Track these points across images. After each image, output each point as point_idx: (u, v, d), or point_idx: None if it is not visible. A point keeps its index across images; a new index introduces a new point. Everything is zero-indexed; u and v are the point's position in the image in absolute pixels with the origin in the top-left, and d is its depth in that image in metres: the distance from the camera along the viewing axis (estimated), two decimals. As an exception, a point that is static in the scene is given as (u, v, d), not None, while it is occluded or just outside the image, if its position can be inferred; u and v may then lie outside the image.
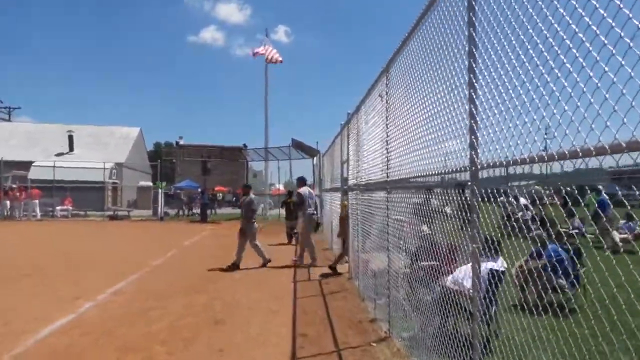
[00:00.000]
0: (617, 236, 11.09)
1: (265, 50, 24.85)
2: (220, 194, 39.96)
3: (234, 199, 41.30)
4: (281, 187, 35.07)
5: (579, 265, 6.23)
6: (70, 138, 35.18)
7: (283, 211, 16.46)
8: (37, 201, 21.91)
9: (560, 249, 6.43)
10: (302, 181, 10.58)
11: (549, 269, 5.76)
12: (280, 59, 25.03)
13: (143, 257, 10.28)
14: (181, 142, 48.30)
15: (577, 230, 12.56)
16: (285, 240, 14.56)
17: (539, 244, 6.44)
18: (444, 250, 5.58)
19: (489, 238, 4.60)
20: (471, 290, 4.39)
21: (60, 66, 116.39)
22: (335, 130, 12.62)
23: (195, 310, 5.96)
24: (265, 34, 25.40)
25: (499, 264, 4.59)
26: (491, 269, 4.42)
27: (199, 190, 26.12)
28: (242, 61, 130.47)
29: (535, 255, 6.54)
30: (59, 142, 35.50)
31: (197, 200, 25.83)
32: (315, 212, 10.60)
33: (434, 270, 5.52)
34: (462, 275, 4.64)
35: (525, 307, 4.33)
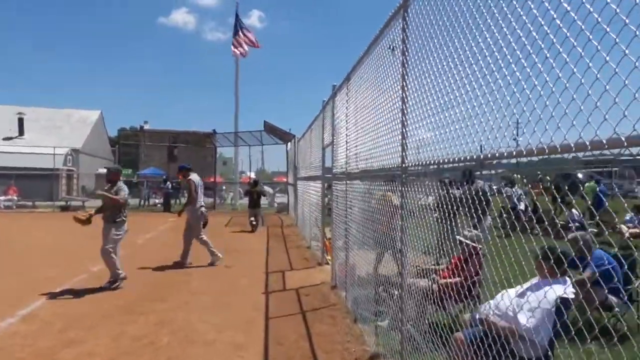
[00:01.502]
0: (625, 230, 9.98)
1: (243, 40, 22.78)
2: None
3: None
4: (252, 175, 33.25)
5: (633, 278, 4.91)
6: (21, 121, 32.23)
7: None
8: (-30, 191, 19.45)
9: (607, 256, 5.09)
10: (187, 169, 8.85)
11: (599, 281, 4.34)
12: (257, 45, 23.10)
13: (81, 260, 8.48)
14: (146, 127, 45.58)
15: (576, 224, 11.49)
16: (249, 228, 14.25)
17: (577, 249, 5.13)
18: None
19: (552, 249, 3.16)
20: (528, 329, 2.93)
21: (17, 43, 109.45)
22: (310, 117, 11.09)
23: (130, 348, 4.31)
24: (237, 24, 22.86)
25: (568, 288, 3.13)
26: (561, 297, 2.96)
27: (163, 178, 24.02)
28: (213, 45, 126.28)
29: (576, 263, 5.11)
30: (7, 125, 32.47)
31: (159, 189, 23.80)
32: (204, 205, 8.94)
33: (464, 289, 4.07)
34: (509, 304, 3.19)
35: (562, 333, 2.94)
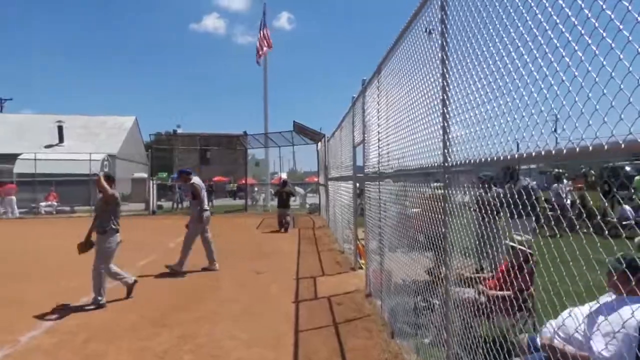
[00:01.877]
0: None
1: (264, 41, 22.65)
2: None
3: (235, 189, 39.47)
4: (284, 176, 33.17)
5: None
6: (60, 129, 33.27)
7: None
8: (13, 197, 20.05)
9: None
10: (187, 173, 8.49)
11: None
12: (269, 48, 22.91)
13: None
14: (179, 131, 46.36)
15: (631, 221, 10.61)
16: (280, 229, 14.36)
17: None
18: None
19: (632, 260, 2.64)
20: (606, 359, 2.44)
21: (54, 54, 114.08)
22: (339, 116, 10.69)
23: (151, 364, 4.05)
24: (261, 23, 22.71)
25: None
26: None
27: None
28: (243, 49, 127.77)
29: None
30: (48, 133, 33.60)
31: (181, 192, 23.98)
32: (208, 209, 8.58)
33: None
34: (578, 326, 2.69)
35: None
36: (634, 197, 11.89)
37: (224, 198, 35.72)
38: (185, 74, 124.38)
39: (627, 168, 23.78)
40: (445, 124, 2.92)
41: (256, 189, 28.72)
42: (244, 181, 24.99)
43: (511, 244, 4.25)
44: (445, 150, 2.93)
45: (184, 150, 38.95)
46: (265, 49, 22.38)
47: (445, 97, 2.93)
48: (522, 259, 4.21)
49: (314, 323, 5.17)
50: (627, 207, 10.66)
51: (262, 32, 22.65)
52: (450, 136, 2.88)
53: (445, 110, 2.91)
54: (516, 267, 4.16)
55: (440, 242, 5.26)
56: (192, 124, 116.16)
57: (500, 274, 4.34)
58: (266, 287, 6.89)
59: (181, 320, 5.28)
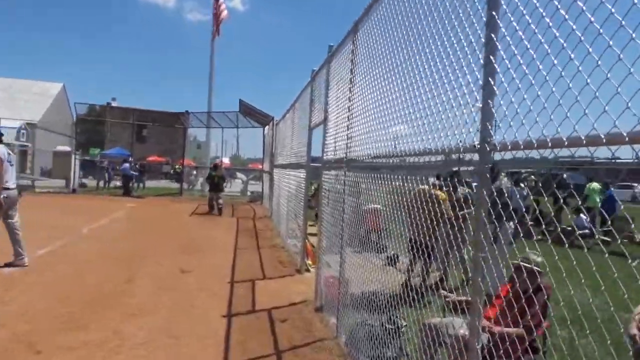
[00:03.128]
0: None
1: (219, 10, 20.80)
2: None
3: (172, 171, 36.95)
4: (226, 160, 31.33)
5: None
6: (-30, 89, 29.29)
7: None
8: None
9: None
10: None
11: None
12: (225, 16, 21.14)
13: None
14: (114, 104, 42.70)
15: (585, 231, 10.28)
16: (215, 214, 13.95)
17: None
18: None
19: None
20: None
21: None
22: (289, 102, 9.43)
23: None
24: None
25: None
26: None
27: (125, 158, 21.87)
28: (192, 26, 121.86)
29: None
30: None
31: (111, 170, 21.74)
32: (10, 188, 6.18)
33: None
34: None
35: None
36: (587, 205, 11.67)
37: (160, 180, 33.27)
38: (127, 45, 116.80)
39: (564, 175, 24.40)
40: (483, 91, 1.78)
41: (194, 172, 26.71)
42: (181, 162, 23.01)
43: (523, 264, 3.25)
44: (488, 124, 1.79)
45: (116, 124, 35.84)
46: (223, 14, 20.58)
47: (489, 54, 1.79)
48: (533, 283, 3.23)
49: (251, 351, 3.94)
50: (583, 217, 10.29)
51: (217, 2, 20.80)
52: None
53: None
54: (526, 294, 3.11)
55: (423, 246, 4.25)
56: (130, 99, 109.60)
57: (501, 301, 3.33)
58: (192, 294, 5.54)
59: (65, 344, 3.83)
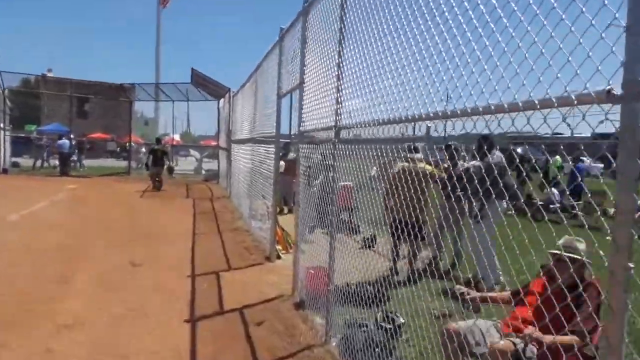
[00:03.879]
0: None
1: None
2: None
3: (118, 149, 34.61)
4: (177, 137, 29.56)
5: None
6: None
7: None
8: None
9: None
10: None
11: None
12: None
13: None
14: (50, 76, 39.14)
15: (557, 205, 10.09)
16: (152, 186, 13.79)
17: None
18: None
19: None
20: None
21: None
22: (247, 72, 8.41)
23: None
24: None
25: None
26: None
27: (62, 134, 19.89)
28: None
29: None
30: None
31: (49, 148, 19.82)
32: None
33: None
34: None
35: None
36: (557, 179, 11.53)
37: (105, 158, 31.03)
38: (64, 10, 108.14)
39: (519, 150, 24.81)
40: None
41: (143, 149, 24.92)
42: (127, 139, 21.30)
43: (567, 254, 2.60)
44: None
45: (54, 98, 32.95)
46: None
47: None
48: (581, 277, 2.62)
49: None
50: (554, 191, 10.08)
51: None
52: None
53: None
54: (573, 292, 2.45)
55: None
56: (69, 70, 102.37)
57: (535, 299, 2.70)
58: (145, 294, 4.61)
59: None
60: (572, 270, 2.33)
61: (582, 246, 2.74)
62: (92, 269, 5.36)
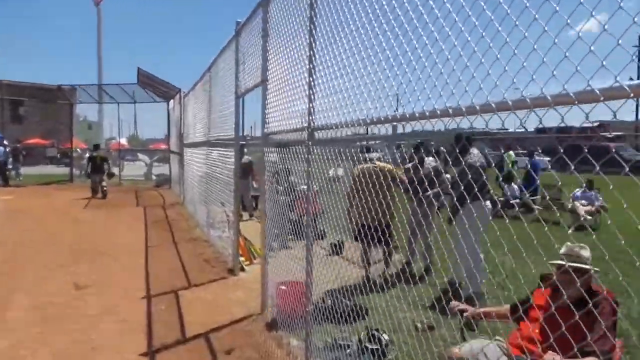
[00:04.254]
0: (581, 209, 8.78)
1: None
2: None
3: (59, 155, 32.50)
4: (123, 141, 28.07)
5: None
6: None
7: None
8: None
9: None
10: None
11: None
12: None
13: None
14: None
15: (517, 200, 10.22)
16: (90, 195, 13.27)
17: None
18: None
19: None
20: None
21: None
22: (198, 71, 7.85)
23: None
24: None
25: None
26: None
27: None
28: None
29: None
30: None
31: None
32: None
33: None
34: None
35: None
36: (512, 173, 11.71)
37: (45, 165, 29.00)
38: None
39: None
40: None
41: (87, 155, 23.40)
42: (69, 145, 19.87)
43: (572, 263, 2.35)
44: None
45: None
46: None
47: None
48: (589, 290, 2.39)
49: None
50: (514, 186, 10.19)
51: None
52: None
53: None
54: (583, 309, 2.20)
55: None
56: (3, 72, 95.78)
57: (538, 314, 2.45)
58: (93, 322, 4.03)
59: None
60: (578, 284, 2.06)
61: (586, 253, 2.52)
62: (29, 295, 4.69)
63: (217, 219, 8.15)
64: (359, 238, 5.43)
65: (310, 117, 3.12)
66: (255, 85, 4.47)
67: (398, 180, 5.46)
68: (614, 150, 1.69)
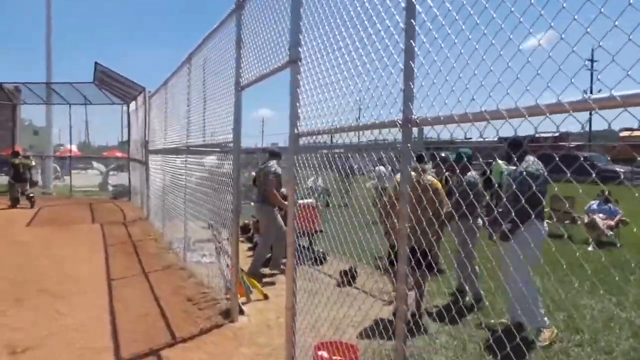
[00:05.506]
0: (601, 223, 8.02)
1: None
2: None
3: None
4: (74, 148, 25.63)
5: None
6: None
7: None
8: None
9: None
10: None
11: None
12: None
13: None
14: None
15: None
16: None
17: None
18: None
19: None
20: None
21: None
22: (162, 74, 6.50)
23: None
24: None
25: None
26: None
27: None
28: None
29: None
30: None
31: None
32: None
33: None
34: None
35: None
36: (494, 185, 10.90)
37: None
38: None
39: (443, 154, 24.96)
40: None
41: (33, 163, 20.98)
42: (9, 152, 17.55)
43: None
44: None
45: None
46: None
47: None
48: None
49: None
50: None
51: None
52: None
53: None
54: None
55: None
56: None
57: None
58: None
59: None
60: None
61: None
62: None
63: (192, 240, 6.78)
64: (393, 264, 4.32)
65: (410, 105, 1.93)
66: (278, 69, 3.21)
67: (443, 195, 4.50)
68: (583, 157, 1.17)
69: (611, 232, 7.90)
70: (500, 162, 15.33)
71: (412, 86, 1.92)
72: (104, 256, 6.84)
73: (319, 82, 2.80)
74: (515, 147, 4.25)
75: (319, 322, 3.00)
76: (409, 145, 1.96)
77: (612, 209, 8.30)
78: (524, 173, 3.94)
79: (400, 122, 1.98)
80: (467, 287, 4.91)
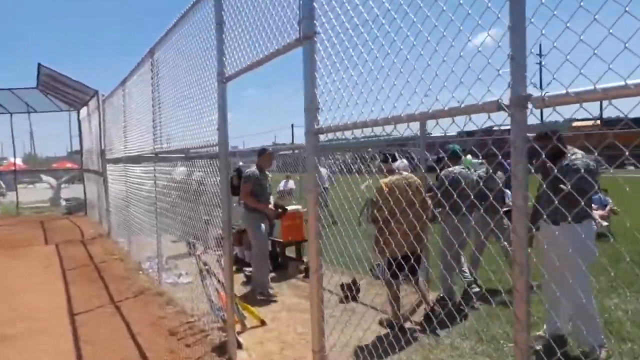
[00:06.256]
0: (595, 214, 7.79)
1: None
2: None
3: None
4: (19, 161, 23.71)
5: None
6: None
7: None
8: None
9: None
10: None
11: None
12: None
13: None
14: None
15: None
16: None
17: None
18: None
19: None
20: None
21: None
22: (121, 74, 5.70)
23: None
24: None
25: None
26: None
27: None
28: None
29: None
30: None
31: None
32: None
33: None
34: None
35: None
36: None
37: None
38: None
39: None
40: None
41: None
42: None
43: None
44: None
45: None
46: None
47: None
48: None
49: None
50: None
51: None
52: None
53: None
54: None
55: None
56: None
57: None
58: None
59: None
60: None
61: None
62: None
63: (168, 255, 6.03)
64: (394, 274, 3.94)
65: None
66: (285, 49, 2.56)
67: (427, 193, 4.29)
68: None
69: (606, 223, 7.71)
70: (469, 157, 15.22)
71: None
72: (63, 284, 5.92)
73: (345, 62, 2.19)
74: (544, 139, 3.68)
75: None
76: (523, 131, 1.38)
77: (602, 198, 8.12)
78: (582, 169, 3.31)
79: (505, 103, 1.39)
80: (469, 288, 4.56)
